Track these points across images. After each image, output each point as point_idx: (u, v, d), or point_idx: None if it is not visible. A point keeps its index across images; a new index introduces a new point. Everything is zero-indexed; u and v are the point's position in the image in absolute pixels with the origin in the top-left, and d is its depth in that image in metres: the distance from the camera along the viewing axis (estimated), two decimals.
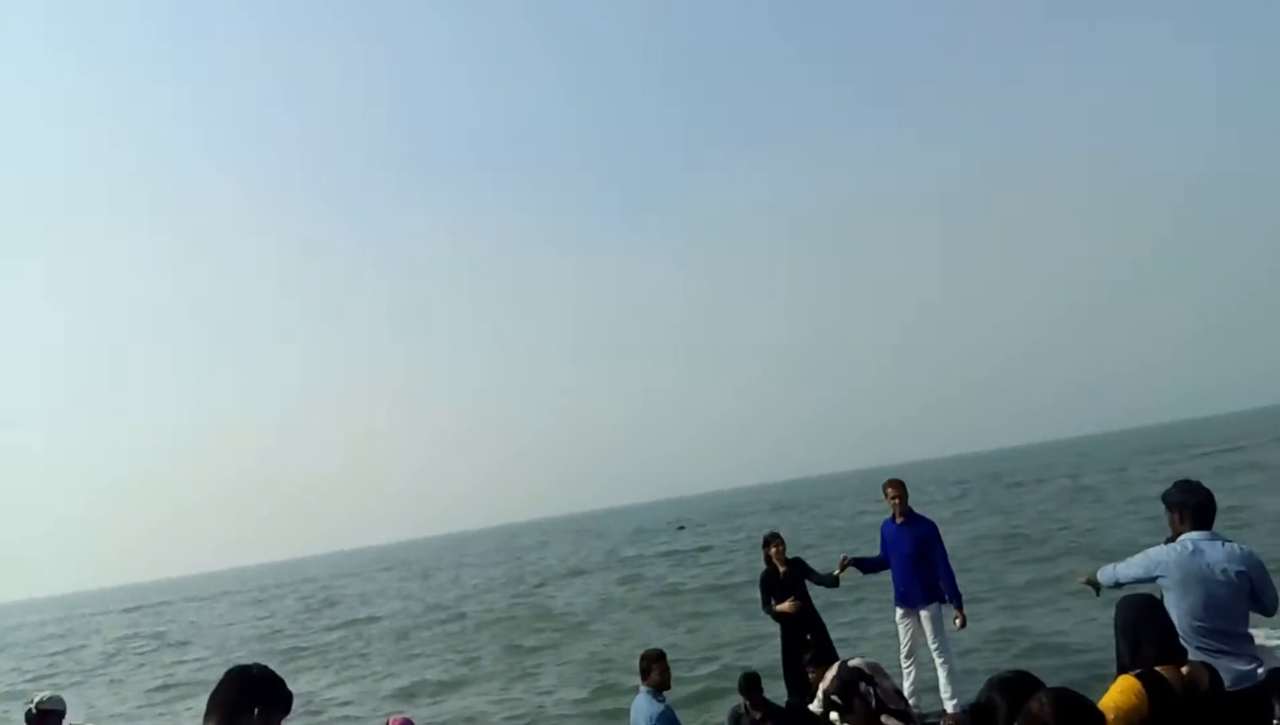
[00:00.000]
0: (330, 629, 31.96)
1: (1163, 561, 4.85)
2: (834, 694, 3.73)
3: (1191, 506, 4.95)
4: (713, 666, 14.51)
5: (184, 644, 34.71)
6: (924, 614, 8.22)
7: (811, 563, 8.97)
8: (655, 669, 6.78)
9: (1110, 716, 3.60)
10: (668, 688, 6.73)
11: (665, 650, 7.05)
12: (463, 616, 29.68)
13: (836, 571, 8.68)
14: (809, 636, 8.47)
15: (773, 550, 8.81)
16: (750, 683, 8.25)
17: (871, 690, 3.70)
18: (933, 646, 8.21)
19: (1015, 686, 3.10)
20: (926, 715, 8.28)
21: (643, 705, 6.65)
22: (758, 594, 8.94)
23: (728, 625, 19.82)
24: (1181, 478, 5.19)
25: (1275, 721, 4.99)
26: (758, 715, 8.16)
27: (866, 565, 8.64)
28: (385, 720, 7.43)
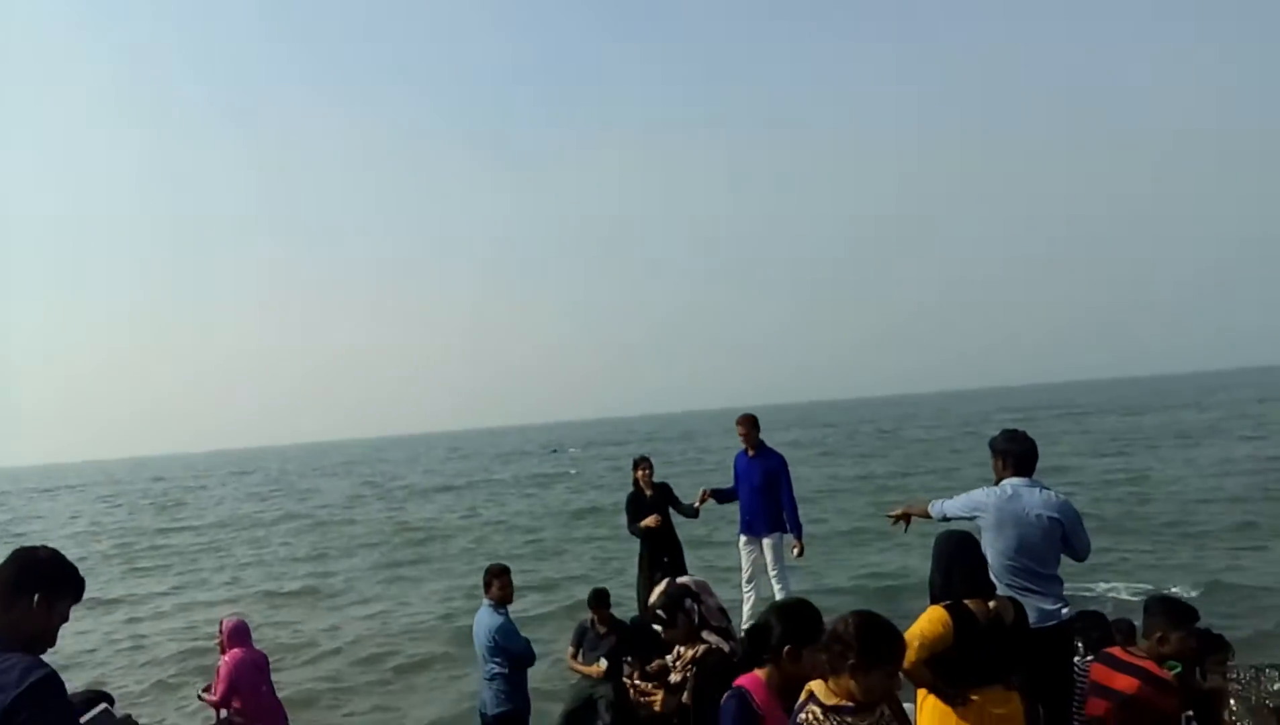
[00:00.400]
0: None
1: (982, 503, 5.08)
2: (659, 609, 3.80)
3: (1014, 454, 5.18)
4: (573, 588, 14.76)
5: None
6: (766, 542, 8.47)
7: (678, 492, 9.19)
8: (496, 583, 6.77)
9: (914, 644, 3.79)
10: (509, 602, 6.75)
11: (510, 566, 7.05)
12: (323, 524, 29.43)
13: (696, 503, 8.87)
14: (666, 559, 8.68)
15: (640, 473, 9.02)
16: (598, 597, 8.36)
17: (695, 607, 3.79)
18: (772, 573, 8.47)
19: (791, 612, 3.28)
20: None
21: (484, 618, 6.67)
22: (623, 518, 9.10)
23: (589, 548, 20.14)
24: (1009, 427, 5.41)
25: (1076, 658, 5.34)
26: (603, 630, 8.30)
27: (722, 496, 8.85)
28: (219, 622, 7.30)
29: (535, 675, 9.61)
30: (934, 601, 4.20)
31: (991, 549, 5.02)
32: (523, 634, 6.87)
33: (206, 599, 18.22)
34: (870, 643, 2.79)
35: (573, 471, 46.95)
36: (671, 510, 8.95)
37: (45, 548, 2.82)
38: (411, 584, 17.82)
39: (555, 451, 72.01)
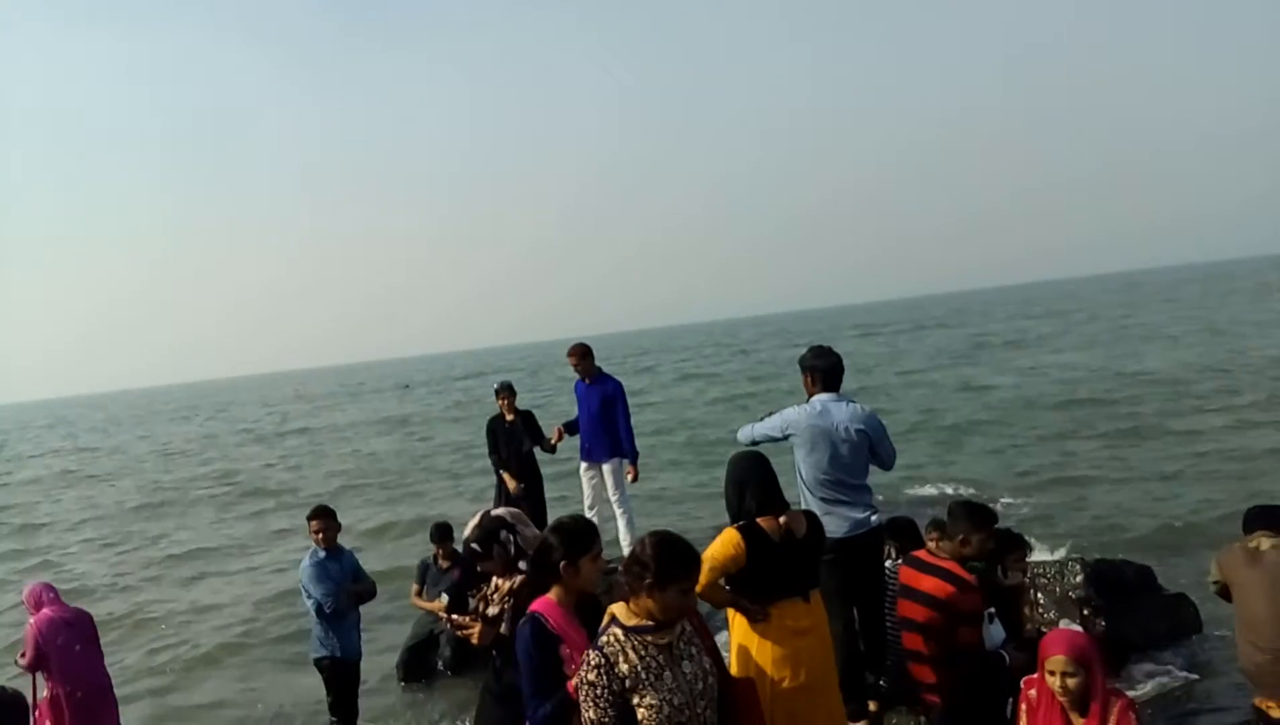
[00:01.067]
0: None
1: (794, 420, 5.20)
2: (474, 542, 3.77)
3: (822, 370, 5.32)
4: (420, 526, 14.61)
5: None
6: (605, 468, 8.56)
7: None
8: (313, 524, 6.56)
9: (706, 566, 3.86)
10: (329, 545, 6.57)
11: (334, 509, 6.85)
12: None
13: (553, 440, 8.90)
14: (523, 485, 8.74)
15: (502, 401, 9.10)
16: (441, 531, 8.32)
17: (511, 538, 3.77)
18: (613, 498, 8.58)
19: (566, 528, 3.39)
20: (610, 562, 8.67)
21: (304, 559, 6.53)
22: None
23: (438, 487, 20.02)
24: (815, 343, 5.55)
25: (888, 563, 5.59)
26: (445, 564, 8.28)
27: (572, 427, 8.88)
28: (23, 588, 6.92)
29: (378, 614, 9.57)
30: (731, 522, 4.30)
31: (805, 464, 5.18)
32: (369, 576, 6.76)
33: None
34: (665, 561, 2.84)
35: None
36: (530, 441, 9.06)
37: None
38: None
39: (407, 387, 70.98)
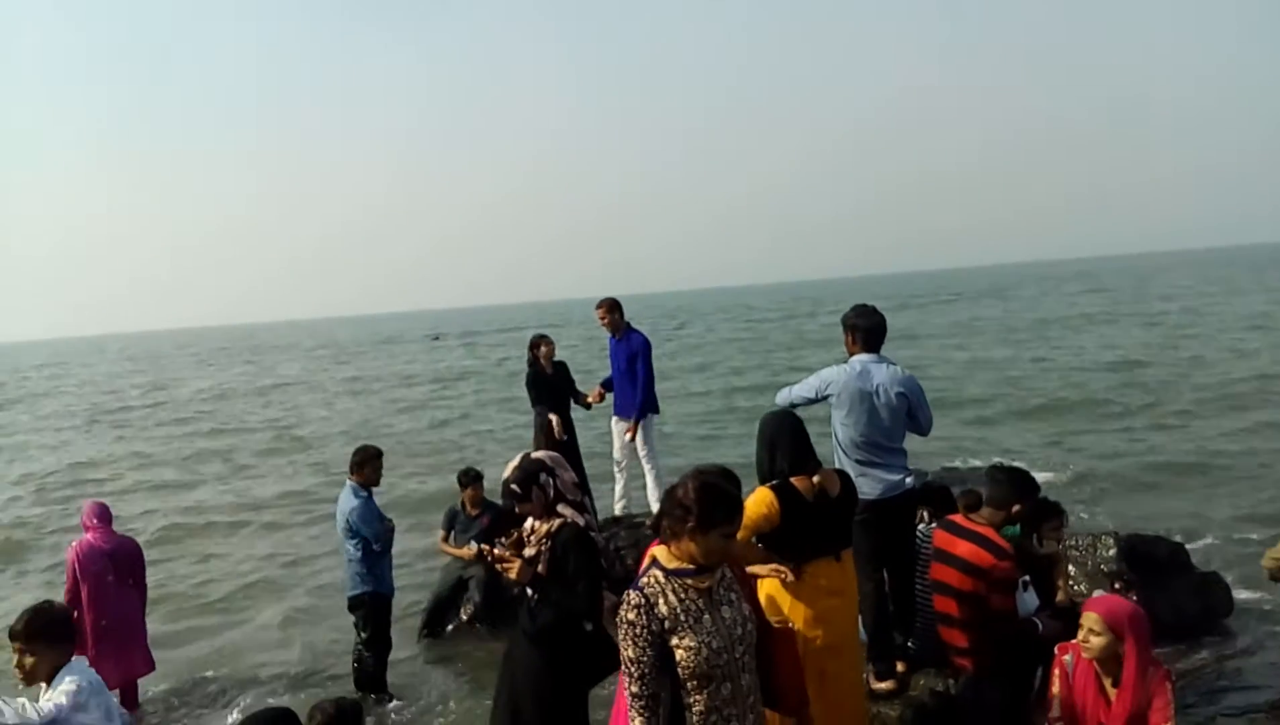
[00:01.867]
0: None
1: (833, 380, 5.10)
2: (513, 483, 3.76)
3: (863, 329, 5.20)
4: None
5: None
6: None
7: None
8: (369, 467, 6.67)
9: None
10: (375, 484, 6.65)
11: (382, 450, 6.93)
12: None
13: (591, 398, 8.84)
14: (567, 438, 8.64)
15: (541, 351, 8.91)
16: (470, 475, 8.32)
17: (551, 481, 3.76)
18: (641, 453, 8.56)
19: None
20: (636, 515, 8.69)
21: (343, 500, 6.58)
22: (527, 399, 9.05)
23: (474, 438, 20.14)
24: (859, 303, 5.42)
25: (921, 526, 5.55)
26: (474, 512, 8.30)
27: (609, 384, 8.84)
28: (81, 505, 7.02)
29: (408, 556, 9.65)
30: (761, 482, 4.27)
31: (841, 425, 5.11)
32: (388, 516, 6.82)
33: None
34: (707, 505, 2.82)
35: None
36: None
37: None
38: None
39: (436, 338, 71.57)
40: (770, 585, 4.17)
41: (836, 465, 4.98)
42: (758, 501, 4.13)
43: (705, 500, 2.81)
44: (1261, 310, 36.42)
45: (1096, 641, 3.69)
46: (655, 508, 8.42)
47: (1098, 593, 6.38)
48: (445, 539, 8.37)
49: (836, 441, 5.18)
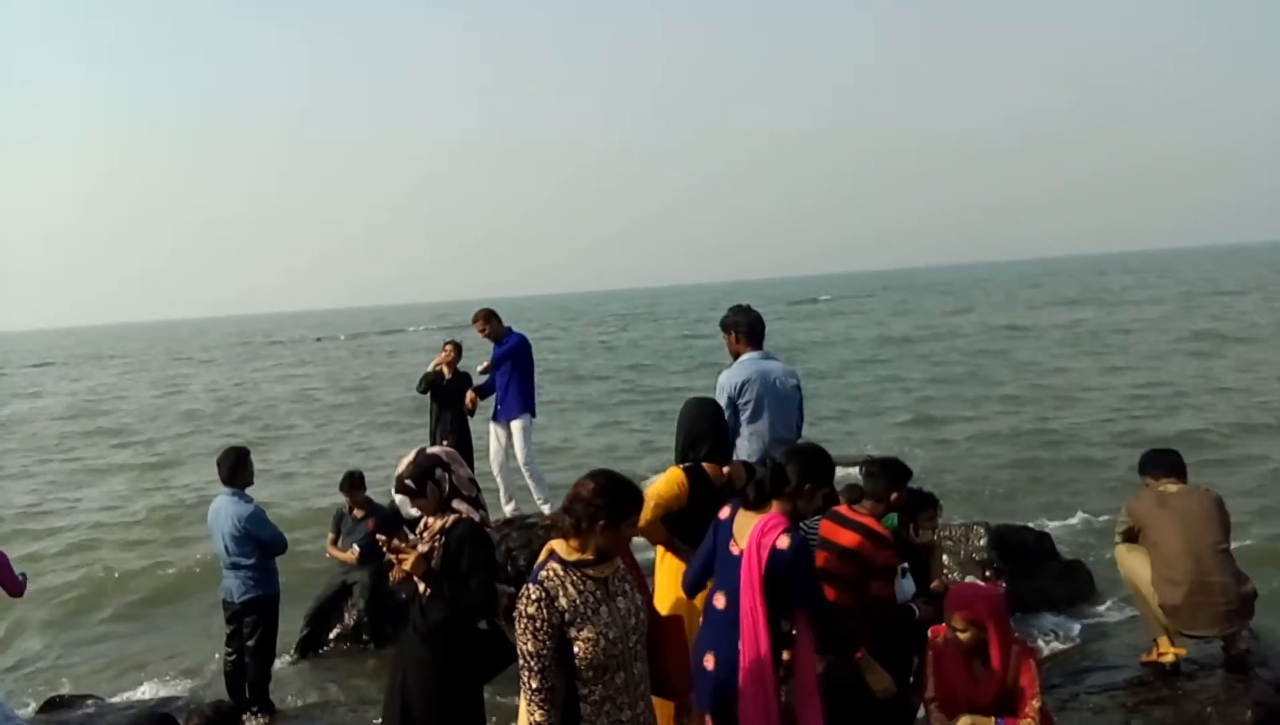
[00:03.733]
0: None
1: (743, 381, 5.12)
2: (408, 478, 3.72)
3: (745, 325, 5.28)
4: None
5: None
6: (514, 426, 8.51)
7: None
8: (246, 469, 6.48)
9: (650, 503, 3.93)
10: (249, 485, 6.48)
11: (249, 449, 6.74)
12: None
13: (467, 405, 8.82)
14: (446, 443, 8.55)
15: (445, 350, 9.15)
16: (351, 480, 8.16)
17: (446, 476, 3.74)
18: (521, 457, 8.56)
19: (808, 454, 3.74)
20: (527, 516, 8.68)
21: (227, 507, 6.31)
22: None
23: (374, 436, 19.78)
24: (734, 303, 5.51)
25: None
26: (359, 515, 8.15)
27: (483, 391, 8.80)
28: None
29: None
30: (677, 462, 4.37)
31: (759, 423, 5.13)
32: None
33: None
34: (616, 500, 2.90)
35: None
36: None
37: None
38: None
39: (319, 339, 69.96)
40: (667, 567, 4.25)
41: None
42: (669, 480, 4.21)
43: (612, 495, 2.89)
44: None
45: (964, 636, 3.93)
46: (546, 509, 8.47)
47: (968, 578, 6.71)
48: (333, 542, 8.20)
49: (742, 440, 5.20)
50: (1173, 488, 4.93)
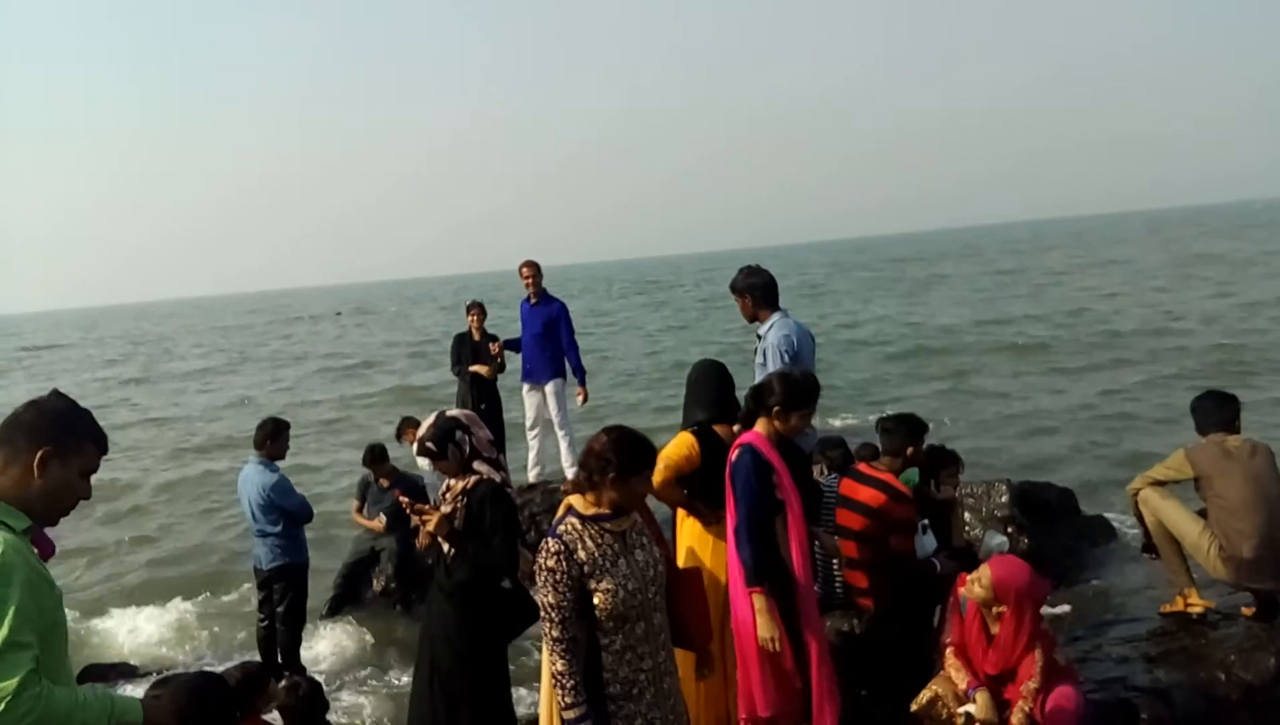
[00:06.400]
0: None
1: (791, 338, 5.12)
2: (429, 441, 3.78)
3: (761, 287, 5.30)
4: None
5: None
6: (548, 388, 8.56)
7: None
8: (279, 440, 6.59)
9: (662, 465, 3.97)
10: (282, 458, 6.59)
11: (290, 422, 6.86)
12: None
13: (496, 356, 8.81)
14: (484, 406, 8.59)
15: (471, 317, 9.06)
16: (374, 453, 8.21)
17: (466, 438, 3.80)
18: (555, 419, 8.61)
19: (789, 379, 4.03)
20: (550, 482, 8.74)
21: (254, 475, 6.44)
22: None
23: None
24: (746, 264, 5.51)
25: (821, 477, 5.73)
26: (385, 484, 8.24)
27: (512, 345, 8.84)
28: None
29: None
30: (684, 426, 4.40)
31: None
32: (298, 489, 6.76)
33: None
34: (628, 454, 2.98)
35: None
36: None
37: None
38: None
39: (339, 313, 70.46)
40: (687, 529, 4.31)
41: None
42: (679, 443, 4.26)
43: (625, 448, 2.95)
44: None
45: (978, 592, 3.94)
46: (570, 472, 8.53)
47: (989, 534, 6.72)
48: (359, 510, 8.31)
49: None
50: (1234, 441, 4.89)
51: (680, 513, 4.38)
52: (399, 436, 8.61)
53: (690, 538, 4.31)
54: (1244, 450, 4.82)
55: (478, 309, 9.13)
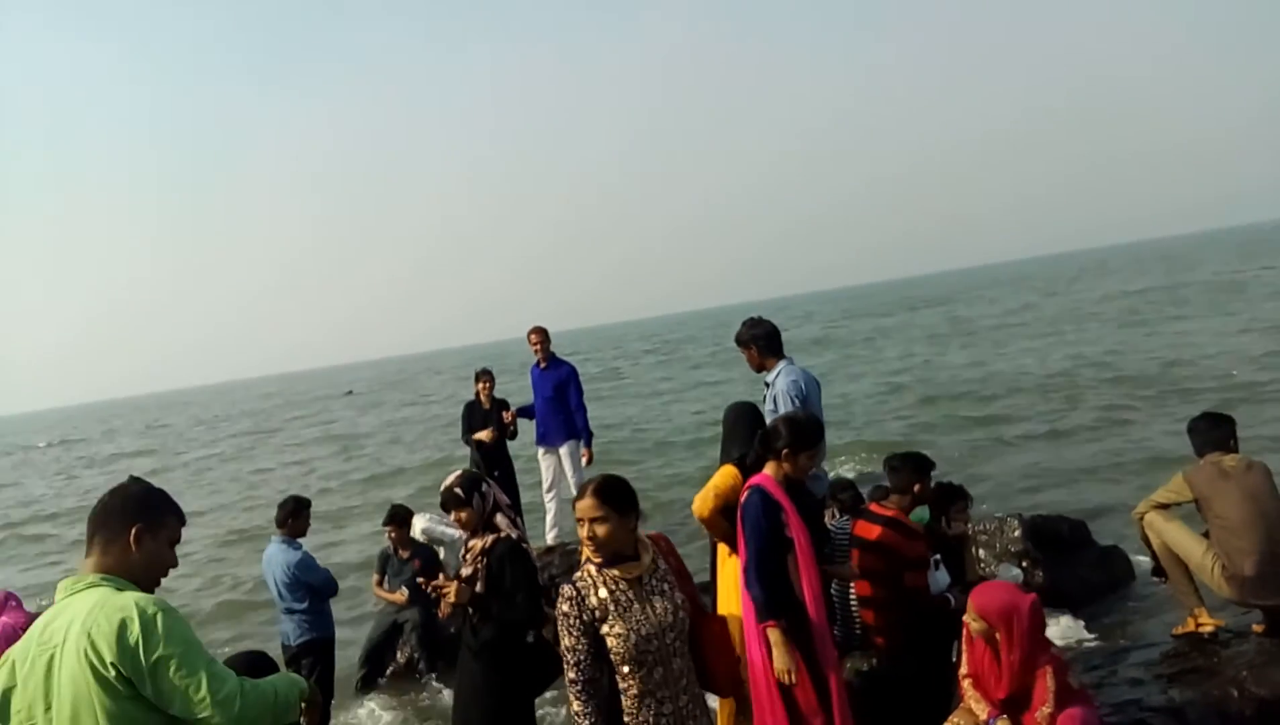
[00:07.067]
0: None
1: (802, 388, 5.30)
2: (457, 487, 3.95)
3: (764, 338, 5.49)
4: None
5: None
6: (563, 451, 8.74)
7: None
8: (300, 518, 6.73)
9: (710, 496, 4.41)
10: (303, 535, 6.73)
11: (310, 500, 7.00)
12: None
13: (508, 424, 8.99)
14: (496, 473, 8.74)
15: (480, 385, 9.17)
16: (393, 515, 8.21)
17: (490, 491, 3.97)
18: (571, 480, 8.74)
19: (796, 422, 4.17)
20: (569, 543, 8.83)
21: (277, 554, 6.57)
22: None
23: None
24: (748, 317, 5.69)
25: (833, 521, 5.85)
26: (405, 554, 8.31)
27: (527, 412, 9.01)
28: None
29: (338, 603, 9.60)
30: (723, 462, 4.69)
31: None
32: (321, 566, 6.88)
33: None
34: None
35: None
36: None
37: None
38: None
39: (350, 392, 70.75)
40: (731, 567, 4.48)
41: None
42: (725, 474, 4.58)
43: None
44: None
45: (975, 625, 4.09)
46: (552, 536, 8.73)
47: (1003, 567, 6.79)
48: (379, 583, 8.39)
49: None
50: (1230, 460, 5.00)
51: (722, 552, 4.55)
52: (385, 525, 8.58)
53: (732, 578, 4.44)
54: (1240, 468, 4.94)
55: (486, 377, 9.26)
